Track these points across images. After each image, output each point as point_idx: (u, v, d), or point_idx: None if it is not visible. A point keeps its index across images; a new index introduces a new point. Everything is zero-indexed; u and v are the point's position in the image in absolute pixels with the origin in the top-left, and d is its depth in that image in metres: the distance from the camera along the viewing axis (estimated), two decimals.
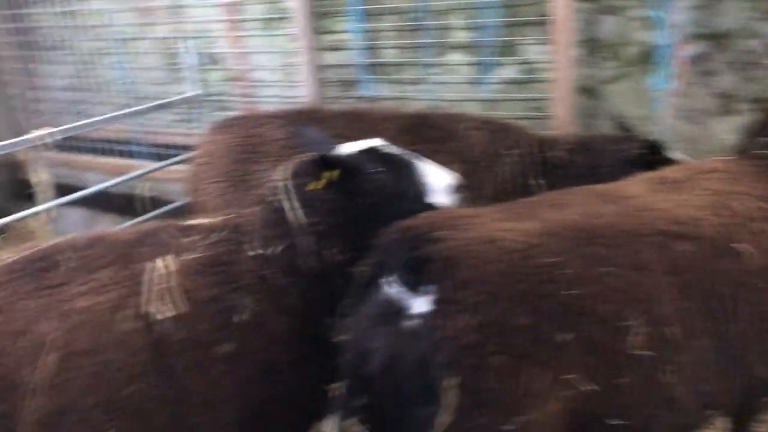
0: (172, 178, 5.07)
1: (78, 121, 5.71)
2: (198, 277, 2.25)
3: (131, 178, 4.41)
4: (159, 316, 2.15)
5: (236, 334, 2.22)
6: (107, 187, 4.33)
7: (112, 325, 2.12)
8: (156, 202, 5.16)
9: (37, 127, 5.93)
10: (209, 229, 2.40)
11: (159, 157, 5.19)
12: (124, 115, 4.19)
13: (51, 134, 3.59)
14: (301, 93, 4.27)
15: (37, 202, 3.72)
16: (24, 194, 6.55)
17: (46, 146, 3.59)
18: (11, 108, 6.16)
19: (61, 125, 5.78)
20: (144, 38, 5.11)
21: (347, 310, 2.10)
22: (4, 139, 6.24)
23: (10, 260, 2.27)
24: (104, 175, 5.47)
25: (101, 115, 5.46)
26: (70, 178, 6.07)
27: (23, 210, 6.63)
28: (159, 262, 2.24)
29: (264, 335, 2.26)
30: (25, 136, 3.61)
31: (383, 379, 1.88)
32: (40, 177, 3.63)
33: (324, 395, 2.37)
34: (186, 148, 4.99)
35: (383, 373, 1.87)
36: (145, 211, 4.83)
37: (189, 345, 2.17)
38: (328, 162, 2.31)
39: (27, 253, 2.31)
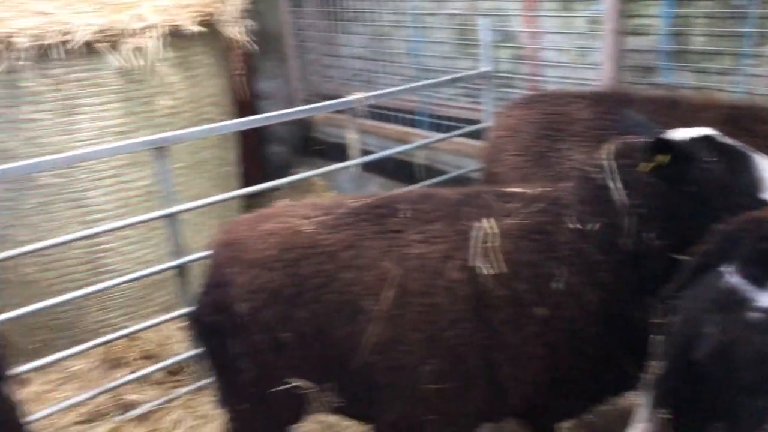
0: (447, 149, 5.35)
1: (365, 89, 6.26)
2: (518, 242, 2.41)
3: (420, 146, 4.73)
4: (482, 272, 2.35)
5: (551, 299, 2.35)
6: (395, 153, 4.69)
7: (442, 272, 2.36)
8: (428, 170, 5.48)
9: (328, 91, 6.60)
10: (528, 199, 2.54)
11: (436, 128, 5.50)
12: (423, 86, 4.52)
13: (366, 98, 3.97)
14: (595, 76, 4.25)
15: (349, 159, 4.13)
16: (307, 150, 7.33)
17: (361, 110, 3.98)
18: (308, 72, 6.88)
19: (349, 92, 6.37)
20: (438, 13, 5.41)
21: (673, 294, 2.12)
22: (299, 100, 7.04)
23: (354, 205, 2.60)
24: (380, 140, 5.92)
25: (387, 84, 5.94)
26: (343, 138, 6.67)
27: (304, 164, 7.40)
28: (484, 223, 2.43)
29: (576, 305, 2.36)
30: (344, 99, 4.04)
31: (713, 365, 1.88)
32: (351, 137, 4.03)
33: (625, 373, 2.42)
34: (466, 121, 5.24)
35: (714, 359, 1.87)
36: (421, 178, 5.15)
37: (507, 302, 2.34)
38: (663, 146, 2.31)
39: (367, 200, 2.63)
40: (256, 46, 5.01)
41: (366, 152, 6.19)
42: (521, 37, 4.86)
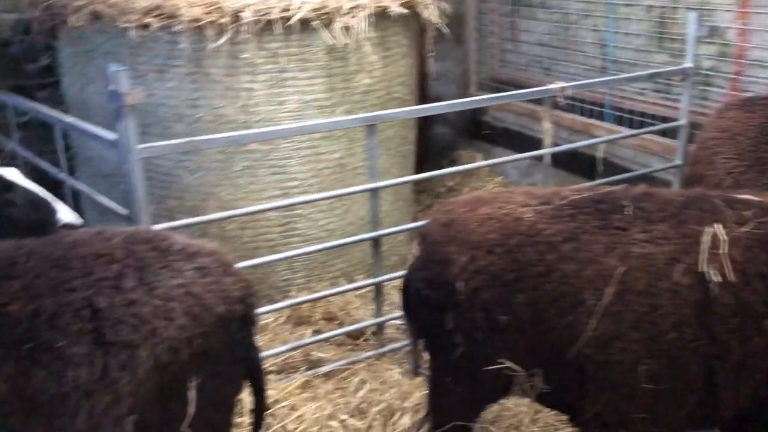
0: (629, 144, 5.21)
1: (544, 77, 6.19)
2: (751, 251, 2.34)
3: (610, 140, 4.64)
4: (711, 278, 2.30)
5: None
6: (582, 146, 4.63)
7: (668, 274, 2.34)
8: (604, 164, 5.35)
9: (504, 77, 6.59)
10: (763, 208, 2.46)
11: (619, 121, 5.35)
12: (621, 80, 4.43)
13: (566, 88, 3.94)
14: None
15: (543, 146, 4.14)
16: (472, 133, 7.38)
17: (561, 98, 3.97)
18: (485, 55, 6.89)
19: (527, 79, 6.33)
20: (635, 5, 5.24)
21: None
22: (473, 84, 7.08)
23: (574, 197, 2.63)
24: (557, 129, 5.83)
25: (570, 74, 5.84)
26: (514, 124, 6.66)
27: (467, 146, 7.45)
28: (715, 229, 2.38)
29: None
30: (543, 87, 4.04)
31: None
32: (546, 126, 4.03)
33: None
34: (653, 117, 5.07)
35: None
36: (600, 172, 5.06)
37: (734, 311, 2.29)
38: None
39: (587, 194, 2.65)
40: (447, 29, 5.10)
41: (539, 141, 6.17)
42: (729, 33, 4.62)
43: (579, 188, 2.75)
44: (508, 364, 2.47)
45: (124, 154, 3.01)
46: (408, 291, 2.76)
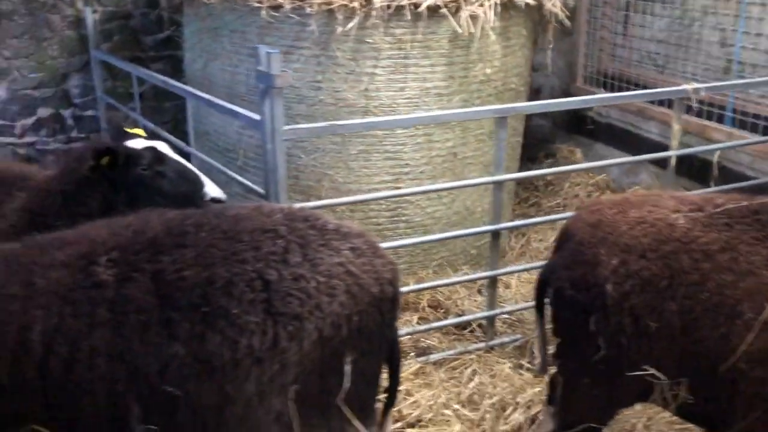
0: (746, 149, 5.01)
1: (657, 74, 6.01)
2: None
3: (737, 145, 4.48)
4: None
5: None
6: (702, 151, 4.49)
7: None
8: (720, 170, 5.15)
9: (613, 71, 6.42)
10: None
11: (739, 125, 5.15)
12: (758, 83, 4.26)
13: (698, 89, 3.81)
14: None
15: (670, 148, 4.03)
16: (572, 127, 7.23)
17: (694, 100, 3.85)
18: (596, 49, 6.72)
19: (638, 75, 6.16)
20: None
21: None
22: (579, 77, 6.93)
23: (730, 205, 2.55)
24: (665, 128, 5.65)
25: (688, 73, 5.64)
26: (619, 121, 6.48)
27: (566, 140, 7.30)
28: None
29: None
30: (675, 88, 3.93)
31: None
32: (675, 128, 3.92)
33: None
34: None
35: None
36: (713, 177, 4.88)
37: None
38: None
39: (743, 202, 2.57)
40: (568, 21, 5.00)
41: (644, 139, 6.02)
42: None
43: (732, 196, 2.67)
44: (653, 371, 2.43)
45: (268, 135, 3.07)
46: (545, 289, 2.75)
